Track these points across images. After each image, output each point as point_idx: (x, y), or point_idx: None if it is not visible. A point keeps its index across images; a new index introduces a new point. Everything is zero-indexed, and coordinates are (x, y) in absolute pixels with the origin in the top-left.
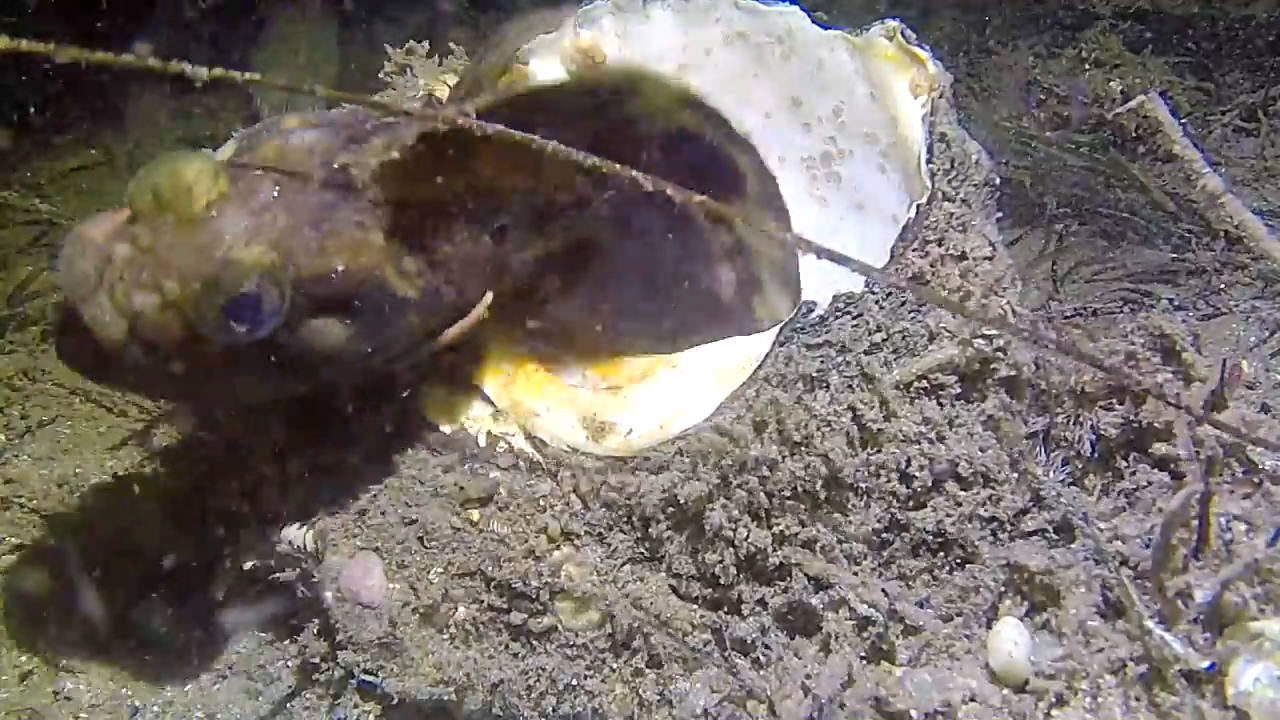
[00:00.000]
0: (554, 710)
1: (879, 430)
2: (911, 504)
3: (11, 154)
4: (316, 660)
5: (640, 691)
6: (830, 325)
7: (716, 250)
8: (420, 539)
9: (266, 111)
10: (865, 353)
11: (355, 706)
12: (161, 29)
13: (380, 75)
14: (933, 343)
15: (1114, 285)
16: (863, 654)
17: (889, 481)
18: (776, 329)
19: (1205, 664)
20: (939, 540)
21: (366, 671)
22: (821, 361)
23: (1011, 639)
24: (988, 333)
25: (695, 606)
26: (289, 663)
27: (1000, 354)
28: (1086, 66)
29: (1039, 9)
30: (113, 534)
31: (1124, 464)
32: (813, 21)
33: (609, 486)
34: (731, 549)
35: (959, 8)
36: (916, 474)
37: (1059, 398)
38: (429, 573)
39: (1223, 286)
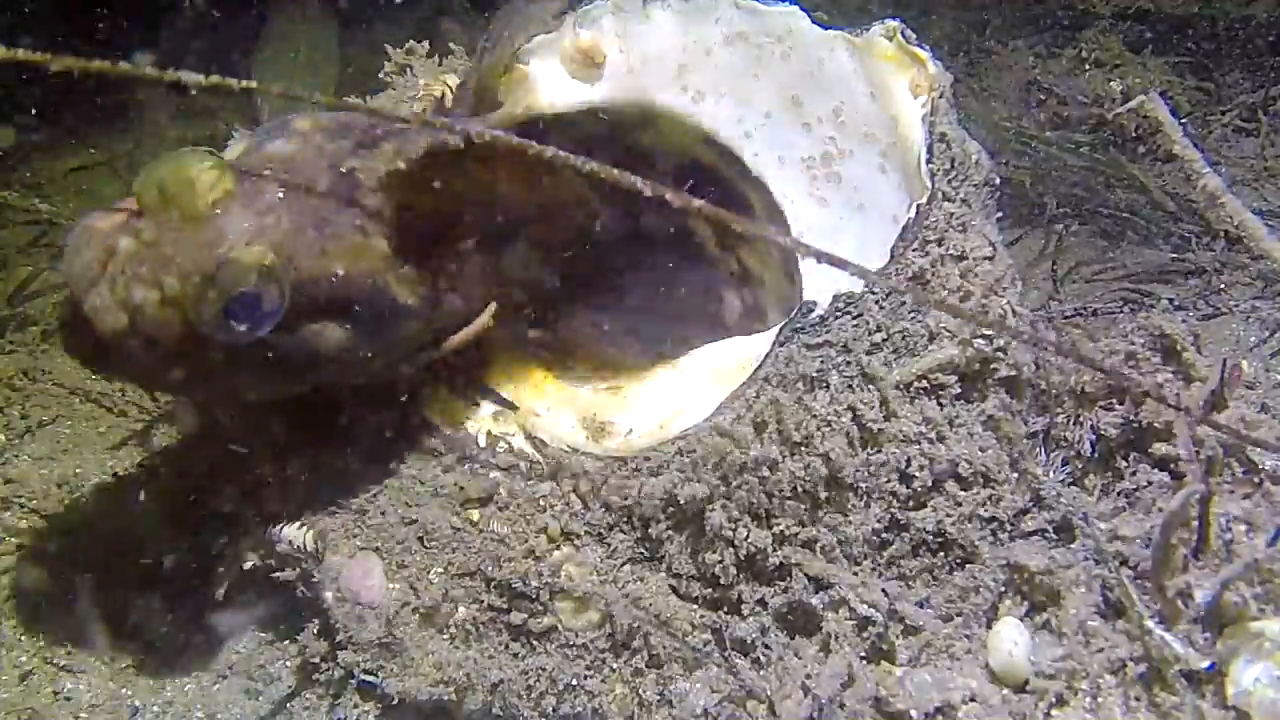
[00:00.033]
0: (554, 710)
1: (879, 430)
2: (911, 504)
3: (12, 154)
4: (316, 660)
5: (640, 691)
6: (830, 325)
7: (724, 278)
8: (420, 539)
9: (267, 113)
10: (865, 353)
11: (355, 706)
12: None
13: (380, 75)
14: (933, 343)
15: (1114, 285)
16: (863, 654)
17: (889, 481)
18: (776, 329)
19: (1205, 664)
20: (939, 540)
21: (366, 671)
22: (821, 361)
23: (1011, 639)
24: (988, 332)
25: (695, 606)
26: (289, 663)
27: (1000, 354)
28: (1086, 66)
29: (1039, 9)
30: (113, 534)
31: (1124, 464)
32: (813, 21)
33: (609, 486)
34: (731, 549)
35: (959, 8)
36: (916, 474)
37: (1059, 398)
38: (429, 573)
39: (1223, 286)
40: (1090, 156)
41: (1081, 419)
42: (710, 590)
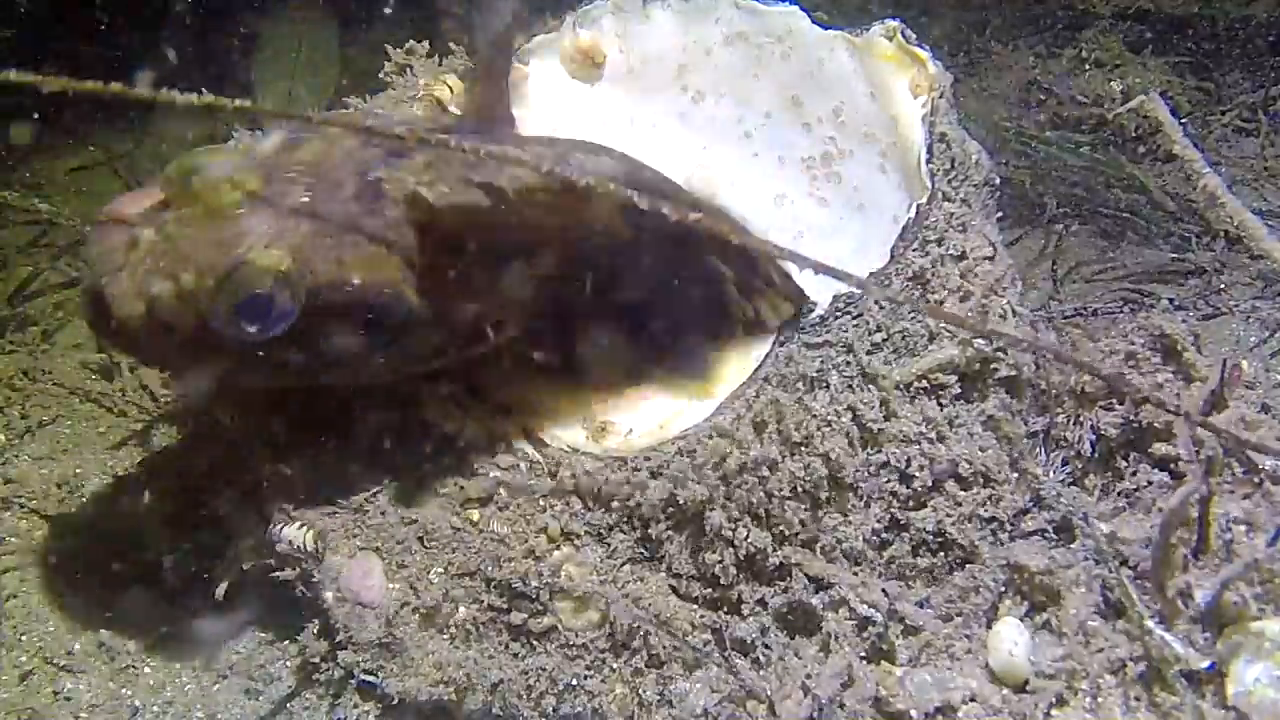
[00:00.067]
0: (554, 710)
1: (879, 430)
2: (912, 504)
3: (12, 154)
4: (316, 660)
5: (640, 691)
6: (830, 325)
7: (736, 320)
8: (420, 539)
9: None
10: (866, 352)
11: (355, 706)
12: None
13: (380, 75)
14: (933, 342)
15: (1114, 285)
16: (863, 654)
17: (889, 481)
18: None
19: (1205, 664)
20: (939, 540)
21: (366, 671)
22: (821, 361)
23: (1011, 639)
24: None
25: (695, 606)
26: (289, 663)
27: (1000, 354)
28: (1086, 66)
29: (1039, 9)
30: (113, 534)
31: (1124, 464)
32: (813, 21)
33: (609, 486)
34: (731, 549)
35: (959, 8)
36: (917, 474)
37: (1059, 398)
38: (429, 573)
39: (1223, 286)
40: (1090, 156)
41: (1081, 419)
42: (710, 590)
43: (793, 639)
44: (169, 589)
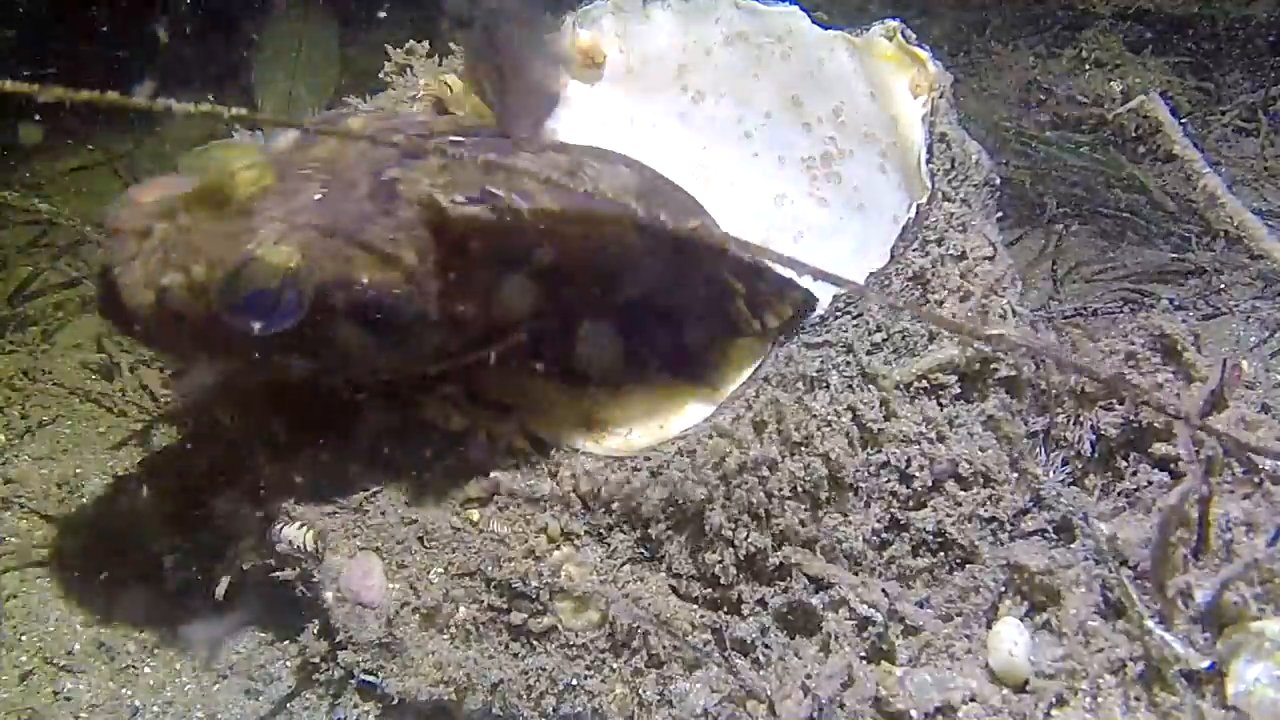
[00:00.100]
0: (554, 710)
1: (879, 430)
2: (912, 504)
3: (12, 154)
4: (316, 660)
5: (640, 691)
6: (830, 325)
7: (742, 332)
8: (420, 539)
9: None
10: (866, 352)
11: (355, 706)
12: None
13: (380, 75)
14: (933, 342)
15: (1114, 285)
16: (863, 654)
17: (889, 481)
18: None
19: (1205, 664)
20: (939, 540)
21: (366, 671)
22: (821, 361)
23: (1011, 639)
24: (989, 331)
25: (695, 606)
26: (289, 663)
27: (1001, 354)
28: (1086, 66)
29: (1039, 9)
30: (113, 534)
31: (1124, 464)
32: (813, 21)
33: (609, 486)
34: (731, 549)
35: (959, 8)
36: (917, 474)
37: (1059, 398)
38: (429, 573)
39: (1223, 286)
40: (1090, 156)
41: (1081, 419)
42: (710, 590)
43: (793, 639)
44: (169, 589)
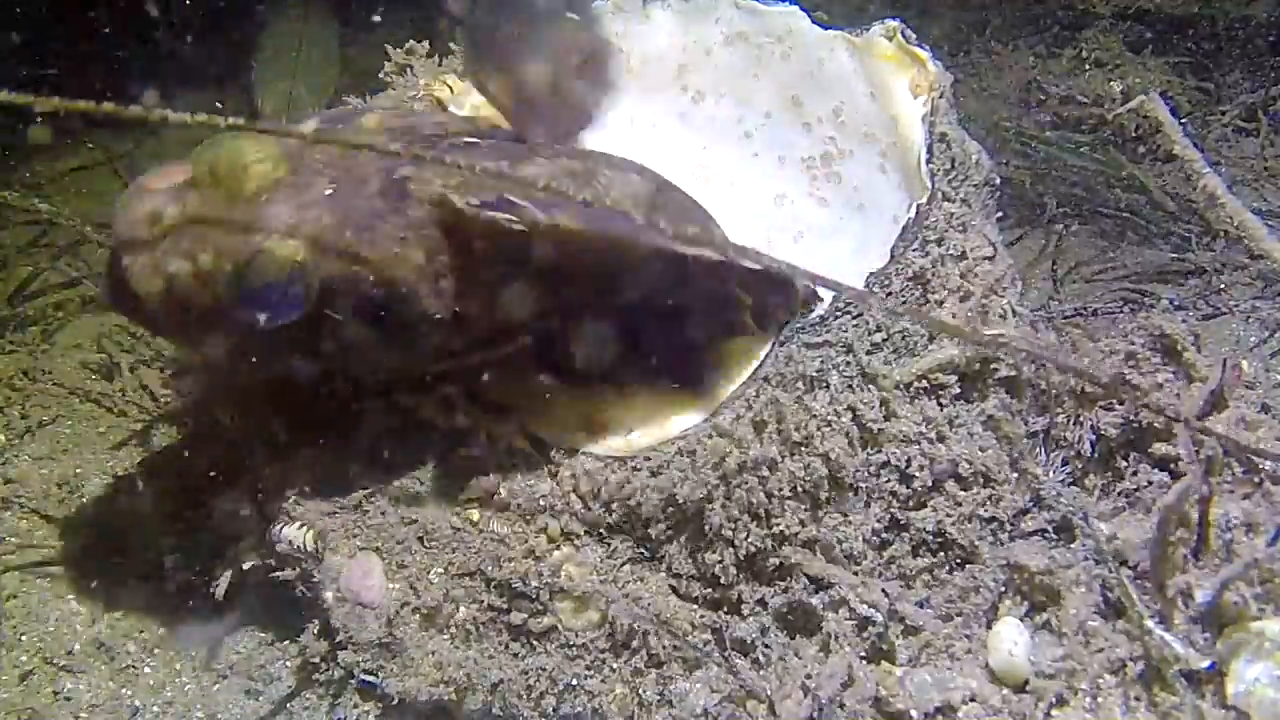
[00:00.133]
0: (554, 710)
1: (879, 430)
2: (911, 504)
3: (12, 154)
4: (316, 660)
5: (640, 691)
6: (830, 325)
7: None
8: (420, 539)
9: (268, 113)
10: (866, 352)
11: (355, 706)
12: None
13: (380, 75)
14: (933, 342)
15: (1114, 285)
16: (863, 654)
17: (889, 481)
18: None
19: (1205, 664)
20: (939, 540)
21: (366, 671)
22: (821, 361)
23: (1011, 639)
24: (989, 332)
25: (695, 606)
26: (289, 663)
27: (1001, 354)
28: (1086, 66)
29: (1039, 9)
30: (113, 534)
31: (1124, 464)
32: (813, 21)
33: (609, 486)
34: (731, 549)
35: (959, 8)
36: (917, 474)
37: (1059, 398)
38: (429, 573)
39: (1223, 286)
40: (1090, 156)
41: (1081, 419)
42: (710, 590)
43: (793, 639)
44: (169, 589)
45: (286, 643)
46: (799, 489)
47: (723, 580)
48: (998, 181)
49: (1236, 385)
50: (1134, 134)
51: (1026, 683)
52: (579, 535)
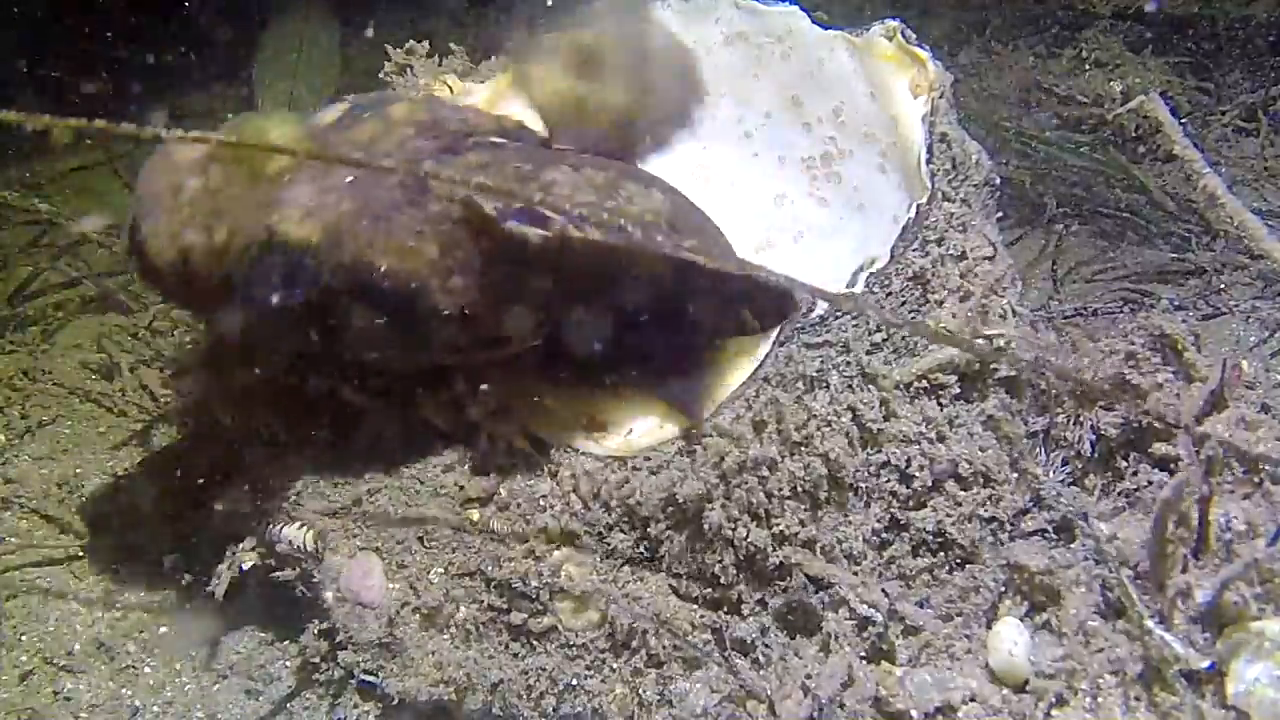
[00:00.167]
0: (554, 710)
1: (879, 430)
2: (911, 504)
3: (12, 154)
4: (316, 660)
5: (640, 691)
6: (830, 325)
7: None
8: (420, 539)
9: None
10: (865, 352)
11: (355, 706)
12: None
13: (380, 75)
14: (933, 342)
15: (1114, 285)
16: (863, 654)
17: (889, 481)
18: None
19: (1205, 664)
20: (939, 540)
21: (366, 671)
22: (821, 361)
23: (1011, 639)
24: (988, 332)
25: (695, 606)
26: (289, 663)
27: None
28: (1086, 66)
29: (1039, 9)
30: (113, 534)
31: (1124, 464)
32: (813, 21)
33: (609, 486)
34: (731, 549)
35: (959, 8)
36: (917, 474)
37: (1059, 398)
38: (429, 573)
39: (1223, 286)
40: (1090, 156)
41: (1081, 419)
42: (710, 590)
43: (793, 639)
44: (169, 589)
45: (286, 643)
46: (799, 489)
47: (722, 580)
48: (998, 181)
49: (1236, 385)
50: (1134, 134)
51: (1026, 683)
52: (579, 535)
